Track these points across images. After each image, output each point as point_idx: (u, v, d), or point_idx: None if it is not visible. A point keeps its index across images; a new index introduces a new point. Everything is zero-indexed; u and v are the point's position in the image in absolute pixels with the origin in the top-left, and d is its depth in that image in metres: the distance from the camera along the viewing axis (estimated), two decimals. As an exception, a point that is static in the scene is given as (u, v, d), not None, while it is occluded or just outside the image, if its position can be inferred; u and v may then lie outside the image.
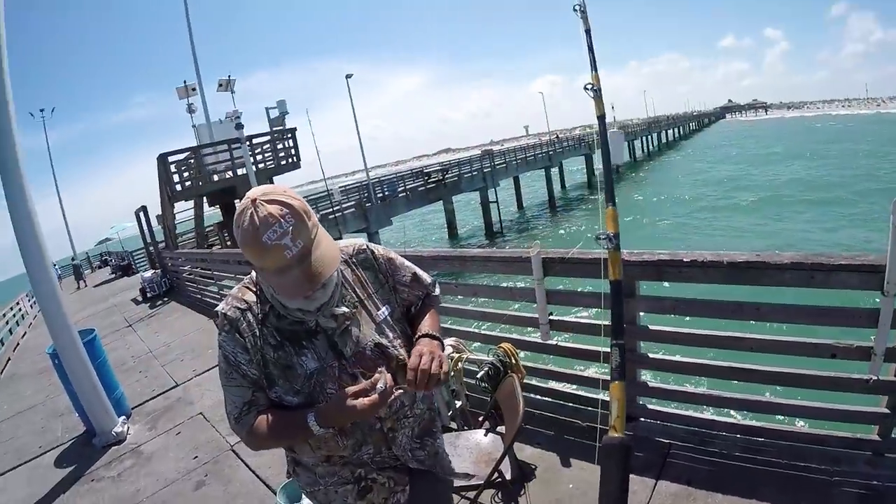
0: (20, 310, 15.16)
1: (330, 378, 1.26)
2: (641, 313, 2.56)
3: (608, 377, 2.80)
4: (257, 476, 3.24)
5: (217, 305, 1.28)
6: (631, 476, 2.40)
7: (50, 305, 3.91)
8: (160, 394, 5.03)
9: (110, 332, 8.67)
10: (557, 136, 46.32)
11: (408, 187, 23.73)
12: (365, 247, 1.41)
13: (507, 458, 1.94)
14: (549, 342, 2.91)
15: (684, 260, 2.30)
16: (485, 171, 27.12)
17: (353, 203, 20.37)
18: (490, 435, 2.22)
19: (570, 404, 3.01)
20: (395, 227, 22.21)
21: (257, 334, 1.23)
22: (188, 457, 3.66)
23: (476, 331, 3.48)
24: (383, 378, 1.17)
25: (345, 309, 1.27)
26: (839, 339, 2.12)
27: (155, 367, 5.96)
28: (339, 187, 22.14)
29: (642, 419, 2.76)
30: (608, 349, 2.67)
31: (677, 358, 2.59)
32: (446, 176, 25.28)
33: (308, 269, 1.09)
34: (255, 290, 1.27)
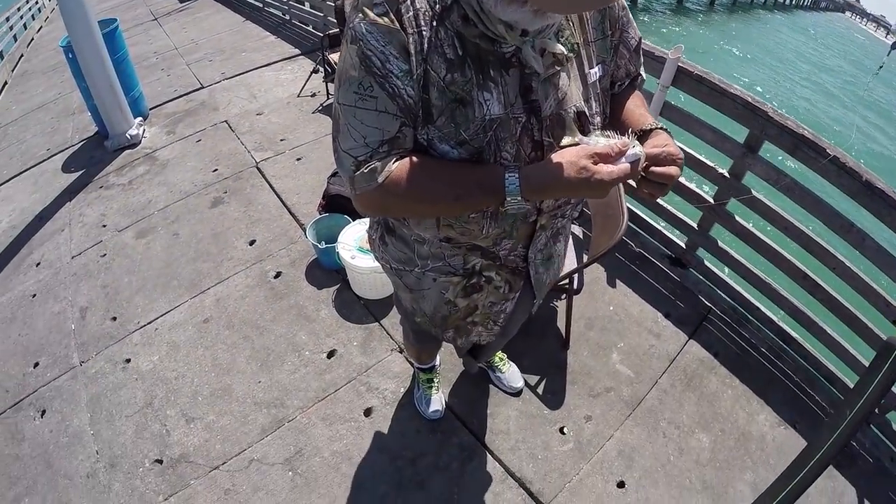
0: (36, 2, 13.77)
1: (510, 136, 0.85)
2: (751, 173, 2.26)
3: (677, 211, 2.68)
4: (283, 202, 3.08)
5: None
6: (668, 324, 2.44)
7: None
8: (182, 95, 4.69)
9: (133, 25, 7.94)
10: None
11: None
12: None
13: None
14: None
15: (827, 150, 1.96)
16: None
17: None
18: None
19: (632, 225, 2.88)
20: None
21: (426, 34, 0.79)
22: (207, 169, 3.47)
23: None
24: (637, 145, 0.80)
25: (562, 49, 0.84)
26: None
27: (179, 66, 5.52)
28: None
29: (693, 270, 2.68)
30: (704, 193, 2.47)
31: (759, 233, 2.36)
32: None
33: None
34: None
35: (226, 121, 4.07)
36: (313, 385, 2.15)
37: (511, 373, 2.10)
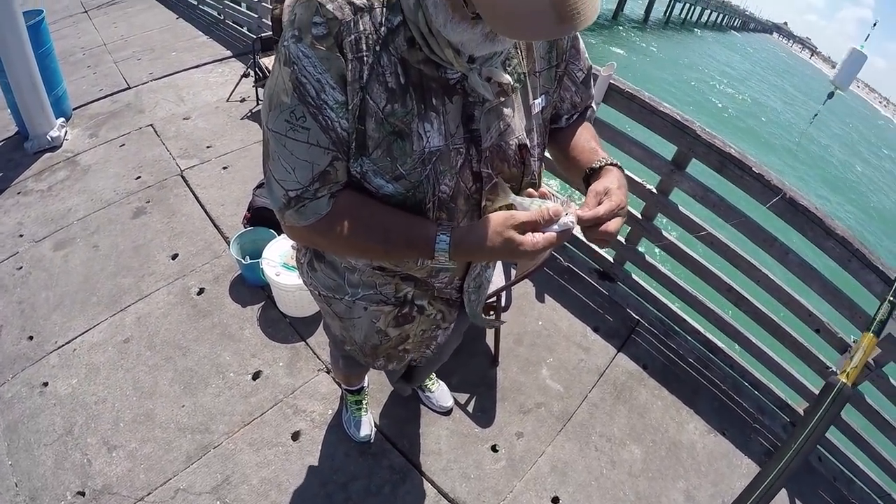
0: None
1: (449, 169, 0.82)
2: (678, 190, 2.31)
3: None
4: (207, 214, 2.95)
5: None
6: (597, 338, 2.48)
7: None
8: (108, 95, 4.43)
9: (61, 17, 7.46)
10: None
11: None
12: None
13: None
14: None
15: (752, 168, 2.05)
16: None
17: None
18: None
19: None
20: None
21: (367, 60, 0.73)
22: (130, 176, 3.28)
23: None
24: (570, 212, 0.77)
25: (509, 79, 0.81)
26: (832, 321, 2.15)
27: (106, 64, 5.23)
28: None
29: (621, 284, 2.73)
30: (632, 208, 2.46)
31: (686, 248, 2.42)
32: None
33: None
34: None
35: (151, 125, 3.88)
36: (239, 408, 2.05)
37: (440, 392, 2.07)
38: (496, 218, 0.77)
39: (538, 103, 0.91)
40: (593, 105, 1.07)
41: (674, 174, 2.25)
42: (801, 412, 2.37)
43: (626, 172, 2.38)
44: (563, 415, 2.16)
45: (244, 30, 5.88)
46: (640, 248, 2.60)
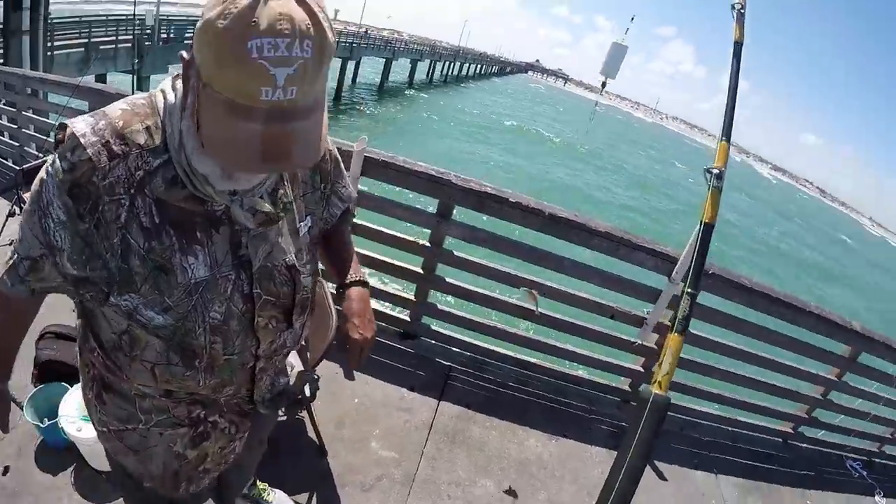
0: None
1: (218, 296, 0.86)
2: (451, 238, 2.52)
3: (403, 292, 2.83)
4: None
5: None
6: (415, 396, 2.54)
7: None
8: None
9: None
10: (367, 31, 45.09)
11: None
12: None
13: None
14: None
15: (509, 199, 2.33)
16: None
17: (129, 37, 16.87)
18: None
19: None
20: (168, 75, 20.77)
21: (125, 203, 0.77)
22: None
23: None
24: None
25: (269, 208, 0.87)
26: (620, 304, 2.50)
27: None
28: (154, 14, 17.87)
29: (423, 338, 2.83)
30: (413, 266, 2.62)
31: (470, 286, 2.63)
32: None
33: (276, 138, 0.65)
34: (150, 124, 0.79)
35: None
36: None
37: (278, 500, 1.96)
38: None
39: (304, 225, 0.99)
40: (352, 207, 1.19)
41: (441, 224, 2.45)
42: (628, 388, 2.69)
43: (397, 233, 2.52)
44: (406, 478, 2.16)
45: (9, 162, 5.11)
46: (431, 300, 2.74)
